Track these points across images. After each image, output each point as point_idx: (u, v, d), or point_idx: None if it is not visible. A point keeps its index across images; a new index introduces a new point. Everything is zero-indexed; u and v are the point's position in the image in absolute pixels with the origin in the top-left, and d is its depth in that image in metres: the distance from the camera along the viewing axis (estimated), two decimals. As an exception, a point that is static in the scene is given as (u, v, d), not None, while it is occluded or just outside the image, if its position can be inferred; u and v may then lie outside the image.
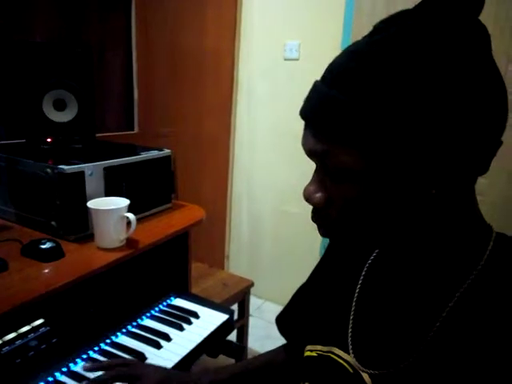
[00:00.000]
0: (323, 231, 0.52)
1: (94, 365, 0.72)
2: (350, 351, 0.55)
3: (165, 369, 0.71)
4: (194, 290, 1.33)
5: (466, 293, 0.47)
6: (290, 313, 0.75)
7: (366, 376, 0.51)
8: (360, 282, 0.59)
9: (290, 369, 0.71)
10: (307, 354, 0.62)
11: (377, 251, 0.60)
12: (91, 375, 0.78)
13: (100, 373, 0.69)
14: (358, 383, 0.52)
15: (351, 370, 0.53)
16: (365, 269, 0.59)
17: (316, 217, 0.51)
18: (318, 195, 0.48)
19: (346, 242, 0.51)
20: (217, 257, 2.53)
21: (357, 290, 0.59)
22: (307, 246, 2.31)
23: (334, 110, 0.42)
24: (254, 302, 2.24)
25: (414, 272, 0.52)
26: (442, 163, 0.41)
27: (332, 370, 0.56)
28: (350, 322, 0.57)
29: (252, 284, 1.81)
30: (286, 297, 2.41)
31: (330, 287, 0.64)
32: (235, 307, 1.79)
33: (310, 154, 0.48)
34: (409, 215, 0.45)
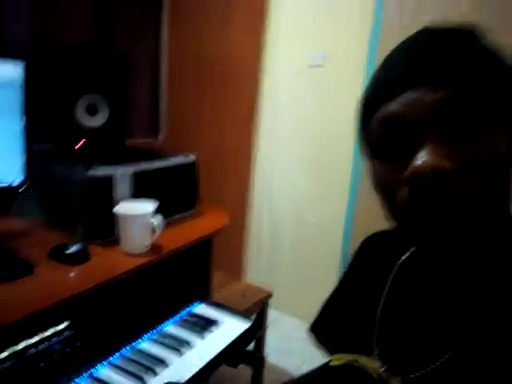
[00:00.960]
0: (447, 218, 0.40)
1: None
2: (376, 358, 0.53)
3: None
4: (213, 299, 1.31)
5: (504, 292, 0.45)
6: (324, 321, 0.73)
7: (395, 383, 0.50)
8: (387, 287, 0.57)
9: None
10: (334, 363, 0.61)
11: (406, 255, 0.58)
12: (112, 380, 0.78)
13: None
14: None
15: (379, 380, 0.52)
16: (391, 276, 0.58)
17: (442, 196, 0.39)
18: (446, 162, 0.39)
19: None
20: (235, 264, 2.52)
21: (384, 295, 0.57)
22: (326, 257, 2.28)
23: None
24: (270, 313, 2.21)
25: (453, 270, 0.49)
26: None
27: (359, 379, 0.55)
28: (376, 328, 0.55)
29: (270, 295, 1.79)
30: (304, 310, 2.37)
31: (356, 295, 0.63)
32: (253, 318, 1.76)
33: (426, 107, 0.40)
34: None
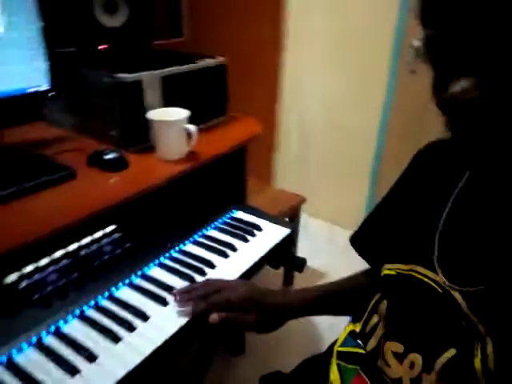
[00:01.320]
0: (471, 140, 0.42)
1: (180, 289, 0.74)
2: (438, 270, 0.52)
3: (249, 282, 0.72)
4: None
5: None
6: (367, 232, 0.72)
7: (457, 295, 0.49)
8: (450, 202, 0.55)
9: (372, 293, 0.71)
10: (386, 272, 0.61)
11: (464, 179, 0.55)
12: (163, 279, 0.82)
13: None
14: (448, 302, 0.50)
15: (439, 289, 0.51)
16: (456, 190, 0.55)
17: (468, 120, 0.41)
18: (474, 90, 0.39)
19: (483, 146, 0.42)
20: (265, 170, 2.52)
21: (446, 211, 0.55)
22: (358, 161, 2.24)
23: None
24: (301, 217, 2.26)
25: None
26: None
27: (415, 288, 0.55)
28: (436, 241, 0.54)
29: (304, 200, 1.80)
30: (334, 214, 2.43)
31: (412, 207, 0.61)
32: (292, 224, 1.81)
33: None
34: None
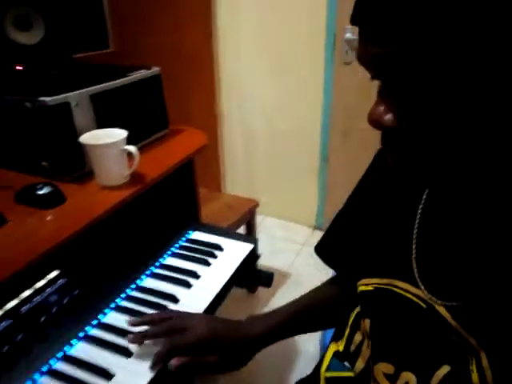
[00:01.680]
0: (395, 158, 0.43)
1: (137, 320, 0.67)
2: (419, 283, 0.49)
3: (211, 318, 0.66)
4: (202, 215, 1.26)
5: None
6: (332, 242, 0.69)
7: (442, 310, 0.47)
8: (421, 207, 0.52)
9: (342, 302, 0.67)
10: (363, 288, 0.57)
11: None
12: (123, 324, 0.73)
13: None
14: (434, 318, 0.47)
15: (423, 305, 0.49)
16: (425, 195, 0.52)
17: (388, 143, 0.43)
18: (389, 116, 0.40)
19: (417, 170, 0.43)
20: (213, 179, 2.46)
21: (417, 217, 0.52)
22: (305, 160, 2.24)
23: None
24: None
25: (487, 193, 0.44)
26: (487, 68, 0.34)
27: (397, 304, 0.52)
28: (413, 252, 0.51)
29: (257, 204, 1.76)
30: (287, 211, 2.42)
31: (381, 215, 0.58)
32: (243, 229, 1.76)
33: (370, 64, 0.40)
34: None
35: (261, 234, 2.33)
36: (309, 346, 1.56)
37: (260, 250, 2.00)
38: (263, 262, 2.01)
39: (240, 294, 1.85)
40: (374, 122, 0.41)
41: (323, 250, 0.70)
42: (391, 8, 0.35)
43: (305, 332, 0.71)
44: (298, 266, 2.08)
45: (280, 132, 2.24)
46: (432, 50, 0.35)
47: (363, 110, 1.79)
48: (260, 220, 2.46)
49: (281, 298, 1.83)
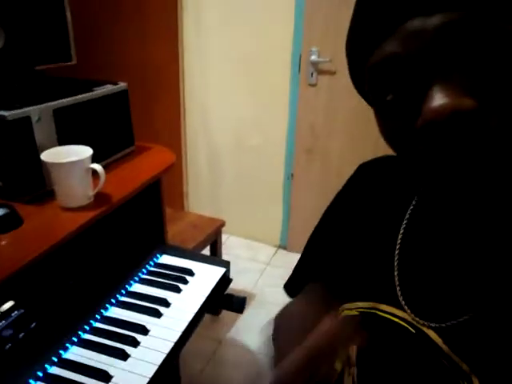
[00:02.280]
0: (479, 164, 0.33)
1: None
2: (404, 306, 0.48)
3: None
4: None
5: None
6: (304, 276, 0.66)
7: (431, 333, 0.46)
8: (403, 228, 0.50)
9: None
10: (346, 313, 0.56)
11: (413, 203, 0.52)
12: (87, 360, 0.67)
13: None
14: (424, 342, 0.46)
15: (411, 329, 0.47)
16: (407, 214, 0.51)
17: (462, 136, 0.32)
18: (466, 100, 0.32)
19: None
20: (175, 198, 2.40)
21: (399, 237, 0.50)
22: (269, 177, 2.24)
23: None
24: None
25: (477, 211, 0.43)
26: None
27: (383, 329, 0.50)
28: (396, 272, 0.50)
29: (223, 224, 1.73)
30: (252, 230, 2.40)
31: (361, 236, 0.56)
32: (208, 249, 1.71)
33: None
34: None
35: (224, 253, 2.29)
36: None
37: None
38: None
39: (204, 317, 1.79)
40: (451, 111, 0.31)
41: (294, 288, 0.67)
42: None
43: None
44: (263, 286, 2.05)
45: (245, 149, 2.23)
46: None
47: (327, 128, 1.86)
48: (224, 239, 2.42)
49: (246, 319, 1.79)
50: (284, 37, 1.93)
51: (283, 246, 2.34)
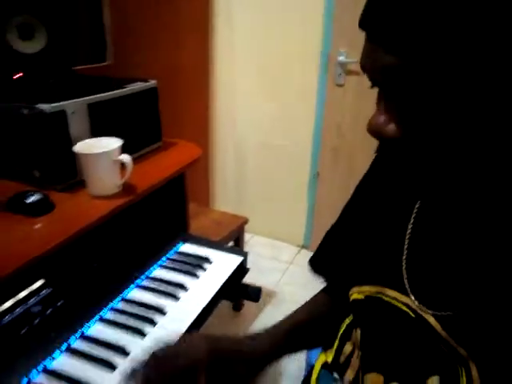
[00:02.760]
0: (396, 167, 0.43)
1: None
2: (409, 292, 0.50)
3: (212, 338, 0.62)
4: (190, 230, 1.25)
5: None
6: (326, 253, 0.69)
7: (431, 319, 0.47)
8: (413, 216, 0.52)
9: (335, 313, 0.67)
10: (354, 296, 0.57)
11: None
12: (107, 337, 0.72)
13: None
14: (422, 327, 0.47)
15: (412, 314, 0.49)
16: (417, 204, 0.52)
17: (386, 151, 0.42)
18: (392, 126, 0.39)
19: (417, 179, 0.43)
20: (202, 195, 2.45)
21: (409, 227, 0.52)
22: (294, 177, 2.26)
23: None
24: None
25: (477, 206, 0.45)
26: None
27: (386, 313, 0.52)
28: (404, 260, 0.51)
29: (246, 221, 1.76)
30: (276, 230, 2.42)
31: (374, 224, 0.58)
32: (230, 246, 1.75)
33: (375, 72, 0.39)
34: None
35: (249, 252, 2.32)
36: (292, 365, 1.54)
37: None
38: (250, 281, 2.00)
39: (226, 312, 1.83)
40: (375, 131, 0.40)
41: (317, 262, 0.69)
42: (409, 13, 0.33)
43: (310, 346, 0.70)
44: (284, 285, 2.07)
45: (271, 149, 2.26)
46: (446, 63, 0.33)
47: (353, 128, 1.86)
48: (248, 238, 2.45)
49: (266, 316, 1.81)
50: (313, 37, 1.94)
51: (306, 246, 2.35)
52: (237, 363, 0.58)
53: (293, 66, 2.05)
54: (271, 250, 2.38)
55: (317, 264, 0.69)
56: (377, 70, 0.37)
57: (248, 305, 1.90)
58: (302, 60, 2.01)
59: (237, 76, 2.20)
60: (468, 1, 0.31)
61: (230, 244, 1.73)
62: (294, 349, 0.67)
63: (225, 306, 1.87)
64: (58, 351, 0.69)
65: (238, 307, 1.81)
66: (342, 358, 0.60)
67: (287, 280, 2.10)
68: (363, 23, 0.38)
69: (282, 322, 0.67)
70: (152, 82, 1.14)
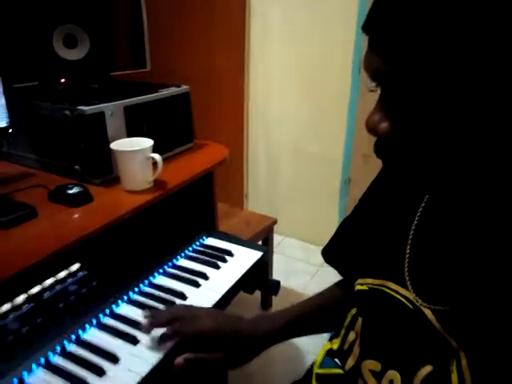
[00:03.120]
0: (388, 165, 0.47)
1: (149, 313, 0.70)
2: (409, 286, 0.52)
3: (219, 312, 0.68)
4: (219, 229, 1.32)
5: None
6: (337, 244, 0.72)
7: (428, 312, 0.49)
8: (418, 215, 0.55)
9: (345, 305, 0.70)
10: (358, 287, 0.60)
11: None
12: (133, 315, 0.79)
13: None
14: (419, 319, 0.50)
15: (410, 306, 0.51)
16: (423, 202, 0.55)
17: (380, 150, 0.45)
18: (384, 124, 0.43)
19: (410, 177, 0.46)
20: (236, 197, 2.52)
21: (414, 223, 0.55)
22: (326, 181, 2.28)
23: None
24: (274, 238, 2.27)
25: (480, 205, 0.47)
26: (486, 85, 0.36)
27: (387, 304, 0.55)
28: (407, 255, 0.54)
29: (275, 221, 1.81)
30: (307, 232, 2.44)
31: (381, 220, 0.61)
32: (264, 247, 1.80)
33: (372, 75, 0.42)
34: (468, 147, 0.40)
35: (279, 253, 2.36)
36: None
37: (277, 270, 2.03)
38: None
39: (254, 310, 1.87)
40: (370, 128, 0.43)
41: (329, 253, 0.73)
42: (400, 24, 0.37)
43: (309, 333, 0.74)
44: (314, 288, 2.08)
45: (303, 154, 2.29)
46: (434, 70, 0.36)
47: None
48: (280, 240, 2.49)
49: (294, 317, 1.84)
50: (346, 42, 1.97)
51: (337, 250, 2.35)
52: (237, 340, 0.63)
53: (326, 71, 2.08)
54: (302, 252, 2.40)
55: (328, 254, 0.73)
56: (371, 73, 0.42)
57: (276, 303, 1.93)
58: (334, 65, 2.04)
59: (270, 80, 2.26)
60: (449, 17, 0.35)
61: (259, 243, 1.78)
62: (294, 336, 0.71)
63: (253, 304, 1.92)
64: (89, 325, 0.77)
65: (265, 305, 1.85)
66: (346, 346, 0.63)
67: (317, 282, 2.12)
68: (364, 28, 0.42)
69: (287, 310, 0.71)
70: (184, 87, 1.22)
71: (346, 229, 0.72)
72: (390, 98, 0.42)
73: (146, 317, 0.70)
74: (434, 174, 0.43)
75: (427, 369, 0.49)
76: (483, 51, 0.35)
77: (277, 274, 2.05)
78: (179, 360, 0.60)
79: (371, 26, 0.40)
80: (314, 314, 0.73)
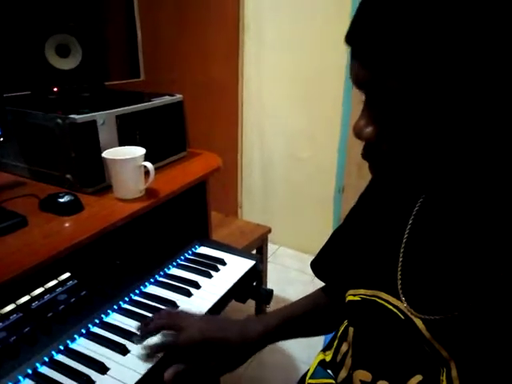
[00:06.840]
0: (375, 169, 0.47)
1: (145, 329, 0.66)
2: (401, 295, 0.52)
3: (208, 317, 0.68)
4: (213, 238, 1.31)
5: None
6: (326, 256, 0.72)
7: (418, 322, 0.49)
8: (409, 224, 0.55)
9: (333, 311, 0.70)
10: (350, 298, 0.60)
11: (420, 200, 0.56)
12: (123, 324, 0.78)
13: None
14: (410, 329, 0.50)
15: (402, 316, 0.51)
16: (414, 211, 0.55)
17: (367, 154, 0.46)
18: (369, 129, 0.44)
19: (397, 182, 0.47)
20: (230, 206, 2.52)
21: (406, 234, 0.55)
22: (320, 190, 2.28)
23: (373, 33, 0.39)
24: (269, 247, 2.27)
25: (472, 215, 0.47)
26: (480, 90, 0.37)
27: (378, 315, 0.54)
28: (399, 266, 0.54)
29: (269, 230, 1.80)
30: (301, 242, 2.43)
31: (373, 230, 0.61)
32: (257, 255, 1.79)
33: (356, 83, 0.44)
34: (457, 150, 0.40)
35: (274, 263, 2.35)
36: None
37: (272, 279, 2.01)
38: (275, 292, 2.03)
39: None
40: (356, 133, 0.45)
41: (317, 266, 0.73)
42: (379, 34, 0.38)
43: (298, 336, 0.73)
44: (309, 297, 2.07)
45: (297, 162, 2.30)
46: (412, 77, 0.37)
47: None
48: (274, 249, 2.49)
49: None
50: (339, 51, 1.98)
51: (332, 260, 2.35)
52: (229, 345, 0.63)
53: (319, 81, 2.10)
54: (297, 261, 2.39)
55: (317, 267, 0.73)
56: (355, 81, 0.43)
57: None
58: (328, 75, 2.06)
59: (264, 90, 2.28)
60: (427, 26, 0.36)
61: (253, 253, 1.78)
62: (282, 338, 0.70)
63: (248, 313, 1.90)
64: (78, 335, 0.76)
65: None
66: (339, 357, 0.63)
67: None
68: (346, 39, 0.44)
69: (274, 313, 0.71)
70: (178, 96, 1.22)
71: (336, 241, 0.71)
72: (374, 105, 0.43)
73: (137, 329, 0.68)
74: (418, 176, 0.44)
75: (417, 378, 0.49)
76: (461, 58, 0.36)
77: (271, 283, 2.04)
78: (167, 374, 0.59)
79: (353, 36, 0.42)
80: (304, 316, 0.72)
